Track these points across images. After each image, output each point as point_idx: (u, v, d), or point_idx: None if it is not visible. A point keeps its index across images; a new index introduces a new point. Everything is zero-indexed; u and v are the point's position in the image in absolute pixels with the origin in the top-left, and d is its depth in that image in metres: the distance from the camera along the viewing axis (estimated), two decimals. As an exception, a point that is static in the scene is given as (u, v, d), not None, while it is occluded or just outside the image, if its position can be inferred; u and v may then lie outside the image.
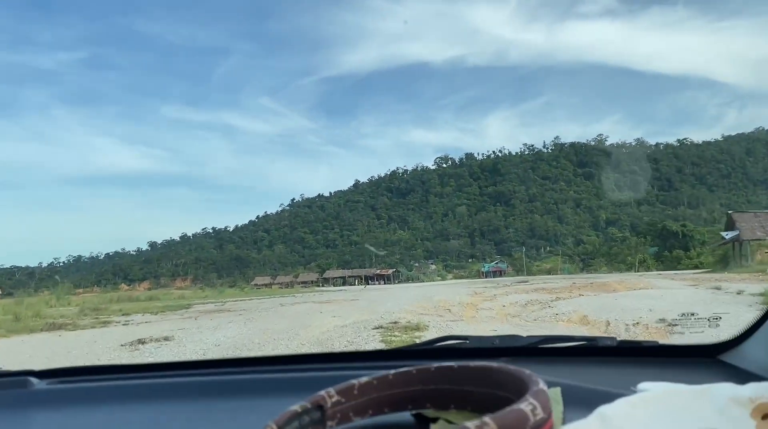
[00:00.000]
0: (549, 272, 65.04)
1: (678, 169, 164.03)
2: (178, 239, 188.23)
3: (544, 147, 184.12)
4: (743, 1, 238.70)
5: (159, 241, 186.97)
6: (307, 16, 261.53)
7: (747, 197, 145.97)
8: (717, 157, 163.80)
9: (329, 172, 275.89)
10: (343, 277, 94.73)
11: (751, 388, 0.84)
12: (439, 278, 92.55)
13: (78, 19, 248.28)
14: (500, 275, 77.94)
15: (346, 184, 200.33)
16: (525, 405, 0.64)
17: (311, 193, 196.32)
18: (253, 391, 1.34)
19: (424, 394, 0.87)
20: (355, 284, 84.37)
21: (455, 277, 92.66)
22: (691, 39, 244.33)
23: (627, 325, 10.00)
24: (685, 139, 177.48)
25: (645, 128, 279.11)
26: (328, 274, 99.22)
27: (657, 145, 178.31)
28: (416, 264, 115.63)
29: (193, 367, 1.66)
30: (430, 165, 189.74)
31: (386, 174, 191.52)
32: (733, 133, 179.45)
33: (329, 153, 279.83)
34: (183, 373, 1.59)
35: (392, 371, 0.86)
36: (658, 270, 52.71)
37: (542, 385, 0.71)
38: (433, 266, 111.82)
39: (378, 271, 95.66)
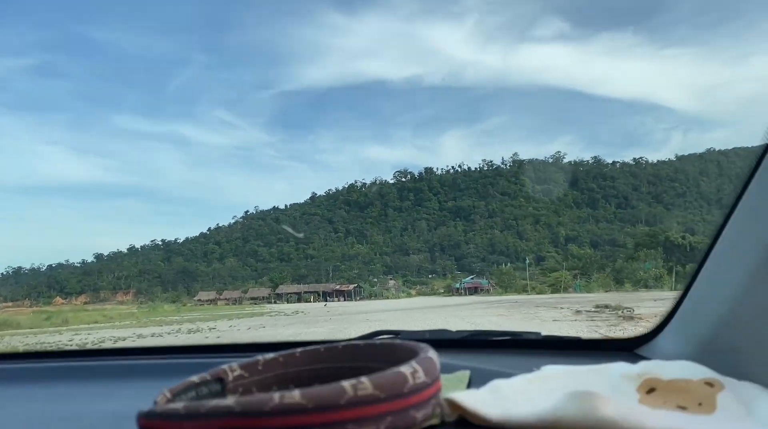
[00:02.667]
0: (529, 289, 53.27)
1: (634, 187, 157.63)
2: (126, 251, 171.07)
3: (502, 163, 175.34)
4: (688, 30, 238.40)
5: (105, 253, 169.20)
6: (266, 30, 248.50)
7: (702, 216, 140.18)
8: (672, 177, 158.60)
9: (286, 186, 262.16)
10: (299, 293, 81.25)
11: (641, 366, 0.89)
12: (405, 295, 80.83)
13: (28, 26, 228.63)
14: (477, 292, 66.03)
15: (302, 198, 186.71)
16: (405, 368, 0.62)
17: (266, 206, 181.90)
18: (154, 375, 1.30)
19: (330, 371, 0.83)
20: (311, 301, 72.74)
21: (418, 294, 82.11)
22: (640, 65, 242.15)
23: None
24: (640, 158, 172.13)
25: (596, 150, 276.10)
26: (282, 289, 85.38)
27: (614, 163, 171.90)
28: (375, 279, 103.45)
29: (87, 354, 1.61)
30: (389, 179, 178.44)
31: (344, 187, 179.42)
32: (686, 154, 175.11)
33: (286, 167, 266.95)
34: (74, 358, 1.55)
35: (299, 349, 0.83)
36: (680, 289, 41.15)
37: (431, 354, 0.69)
38: (392, 281, 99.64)
39: (338, 287, 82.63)
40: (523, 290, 53.55)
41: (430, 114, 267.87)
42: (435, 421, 0.69)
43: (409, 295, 79.66)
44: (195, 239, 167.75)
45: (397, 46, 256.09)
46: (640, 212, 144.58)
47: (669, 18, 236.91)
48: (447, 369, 0.98)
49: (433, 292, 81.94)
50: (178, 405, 0.60)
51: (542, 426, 0.68)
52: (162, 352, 1.57)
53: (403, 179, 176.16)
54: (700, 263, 1.04)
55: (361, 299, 74.54)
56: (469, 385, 0.98)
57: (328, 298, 76.14)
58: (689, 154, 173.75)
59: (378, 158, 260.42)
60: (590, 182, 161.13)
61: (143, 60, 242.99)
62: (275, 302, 73.72)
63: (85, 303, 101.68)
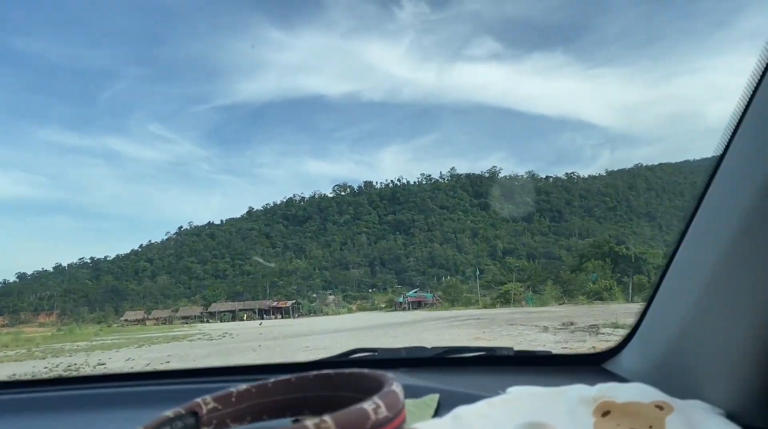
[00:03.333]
0: (479, 302, 51.30)
1: (567, 201, 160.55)
2: (51, 270, 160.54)
3: (441, 177, 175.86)
4: (614, 51, 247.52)
5: (29, 273, 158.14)
6: (202, 44, 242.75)
7: (632, 229, 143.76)
8: (603, 191, 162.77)
9: (222, 201, 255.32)
10: (233, 311, 76.58)
11: (597, 389, 0.89)
12: (345, 310, 77.72)
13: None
14: (421, 306, 63.61)
15: (239, 213, 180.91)
16: (368, 404, 0.62)
17: (201, 222, 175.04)
18: (131, 404, 1.24)
19: (302, 401, 0.84)
20: (245, 319, 68.47)
21: (359, 309, 79.06)
22: (569, 83, 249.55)
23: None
24: (572, 172, 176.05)
25: (528, 165, 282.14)
26: (215, 307, 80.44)
27: (547, 178, 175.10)
28: (314, 295, 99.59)
29: (70, 382, 1.54)
30: (328, 193, 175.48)
31: (282, 201, 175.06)
32: (615, 169, 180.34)
33: (223, 181, 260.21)
34: (59, 387, 1.48)
35: (272, 379, 0.83)
36: (637, 301, 39.68)
37: (395, 387, 0.69)
38: (332, 297, 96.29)
39: (275, 304, 78.29)
40: (470, 304, 51.38)
41: (368, 129, 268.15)
42: None
43: (350, 311, 76.76)
44: (125, 256, 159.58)
45: (335, 62, 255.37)
46: (573, 225, 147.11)
47: (596, 39, 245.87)
48: (419, 391, 0.98)
49: (375, 307, 79.25)
50: None
51: None
52: (129, 379, 1.50)
53: (342, 193, 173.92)
54: (660, 277, 1.04)
55: (299, 316, 70.74)
56: (438, 409, 0.97)
57: (264, 315, 72.18)
58: (618, 170, 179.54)
59: (317, 172, 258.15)
60: (525, 196, 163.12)
61: (72, 72, 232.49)
62: (208, 321, 69.23)
63: (2, 326, 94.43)
